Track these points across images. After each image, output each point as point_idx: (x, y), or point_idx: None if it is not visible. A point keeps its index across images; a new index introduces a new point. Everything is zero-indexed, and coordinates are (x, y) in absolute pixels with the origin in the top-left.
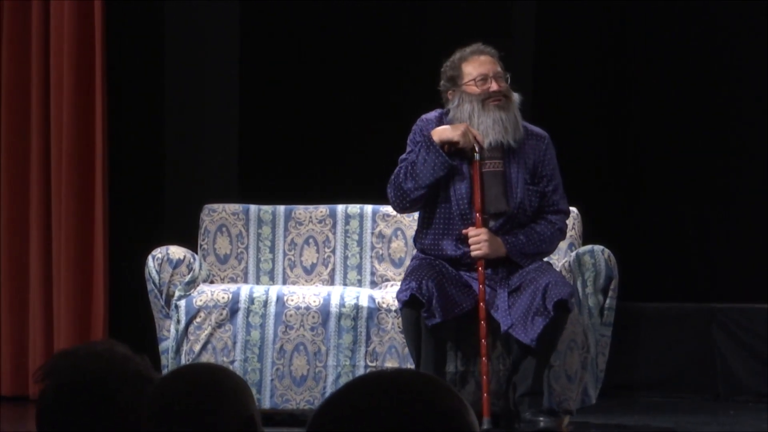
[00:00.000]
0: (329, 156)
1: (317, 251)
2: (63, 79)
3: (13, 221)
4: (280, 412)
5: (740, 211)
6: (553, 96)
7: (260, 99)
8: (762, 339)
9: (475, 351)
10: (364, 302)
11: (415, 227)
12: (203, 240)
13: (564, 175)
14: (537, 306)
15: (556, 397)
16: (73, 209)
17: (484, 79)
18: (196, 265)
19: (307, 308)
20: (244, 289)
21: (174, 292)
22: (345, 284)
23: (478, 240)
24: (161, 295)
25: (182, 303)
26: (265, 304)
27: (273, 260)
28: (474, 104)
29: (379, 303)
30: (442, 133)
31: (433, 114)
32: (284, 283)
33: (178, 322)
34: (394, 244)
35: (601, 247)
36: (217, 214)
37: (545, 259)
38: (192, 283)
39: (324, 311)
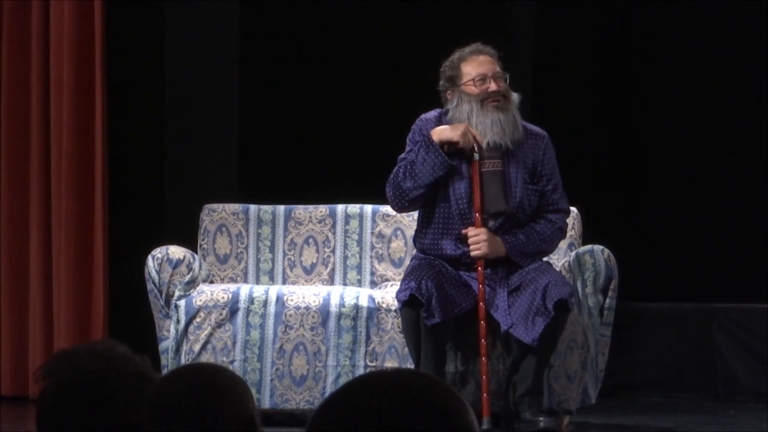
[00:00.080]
0: (329, 156)
1: (317, 251)
2: (63, 79)
3: (13, 221)
4: (280, 412)
5: (740, 211)
6: (553, 96)
7: (260, 99)
8: (762, 339)
9: (475, 351)
10: (363, 302)
11: (414, 227)
12: (203, 240)
13: (564, 175)
14: (537, 306)
15: (556, 397)
16: (73, 209)
17: (483, 79)
18: (196, 265)
19: (307, 308)
20: (244, 289)
21: (174, 292)
22: (345, 284)
23: (478, 240)
24: (161, 295)
25: (182, 303)
26: (265, 304)
27: (273, 260)
28: (473, 104)
29: (378, 303)
30: (441, 132)
31: (432, 114)
32: (284, 283)
33: (178, 322)
34: (393, 244)
35: (601, 246)
36: (217, 214)
37: (545, 259)
38: (192, 283)
39: (324, 311)
